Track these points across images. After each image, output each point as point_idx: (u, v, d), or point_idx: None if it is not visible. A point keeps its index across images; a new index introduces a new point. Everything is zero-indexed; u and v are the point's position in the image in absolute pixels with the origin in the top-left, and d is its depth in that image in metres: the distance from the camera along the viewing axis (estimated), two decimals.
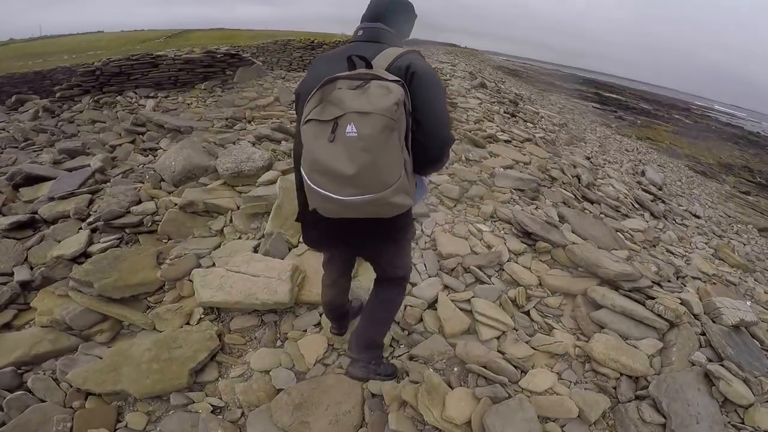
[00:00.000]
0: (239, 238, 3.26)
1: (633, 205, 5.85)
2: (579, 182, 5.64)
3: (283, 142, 4.62)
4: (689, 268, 4.09)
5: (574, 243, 3.37)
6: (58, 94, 7.07)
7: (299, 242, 3.06)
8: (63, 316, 2.47)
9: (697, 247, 5.04)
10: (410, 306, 2.64)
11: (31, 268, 3.01)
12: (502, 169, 4.79)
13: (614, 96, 38.25)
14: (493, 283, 2.89)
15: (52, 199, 3.85)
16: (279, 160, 4.23)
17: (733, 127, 36.92)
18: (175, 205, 3.53)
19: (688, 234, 5.55)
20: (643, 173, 8.81)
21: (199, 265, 2.92)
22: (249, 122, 5.78)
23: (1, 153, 5.35)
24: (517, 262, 3.15)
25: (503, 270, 3.03)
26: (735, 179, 15.65)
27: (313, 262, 2.81)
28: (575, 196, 5.08)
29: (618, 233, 4.13)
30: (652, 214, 5.72)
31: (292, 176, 3.64)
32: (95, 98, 6.90)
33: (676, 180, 10.39)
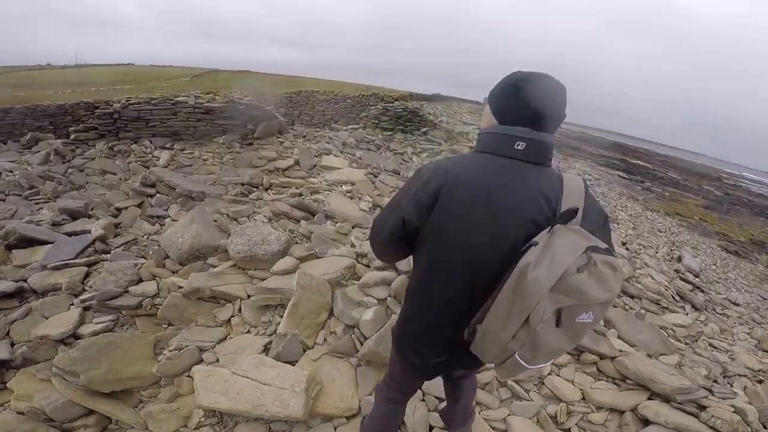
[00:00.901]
0: (248, 331, 3.01)
1: (674, 297, 5.67)
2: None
3: (302, 221, 4.36)
4: (734, 363, 3.88)
5: (621, 351, 3.18)
6: (72, 136, 7.01)
7: (315, 344, 2.87)
8: (43, 405, 2.27)
9: (739, 339, 4.91)
10: (439, 428, 2.40)
11: (12, 345, 2.78)
12: None
13: (641, 163, 38.23)
14: (532, 399, 2.72)
15: (45, 267, 3.58)
16: (297, 243, 3.95)
17: (764, 199, 36.66)
18: (180, 288, 3.26)
19: (729, 324, 5.43)
20: (679, 259, 8.59)
21: (201, 360, 2.73)
22: (266, 190, 5.58)
23: (3, 200, 5.18)
24: (559, 375, 2.95)
25: (543, 384, 2.85)
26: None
27: (330, 371, 2.66)
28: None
29: (662, 330, 3.93)
30: (693, 306, 5.57)
31: (311, 268, 3.42)
32: (110, 144, 6.82)
33: (710, 264, 10.32)
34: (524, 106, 1.14)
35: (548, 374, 2.91)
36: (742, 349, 4.30)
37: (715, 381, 3.15)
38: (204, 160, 6.89)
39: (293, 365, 2.64)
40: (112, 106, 7.28)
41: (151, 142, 7.12)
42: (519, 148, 1.15)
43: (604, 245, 1.07)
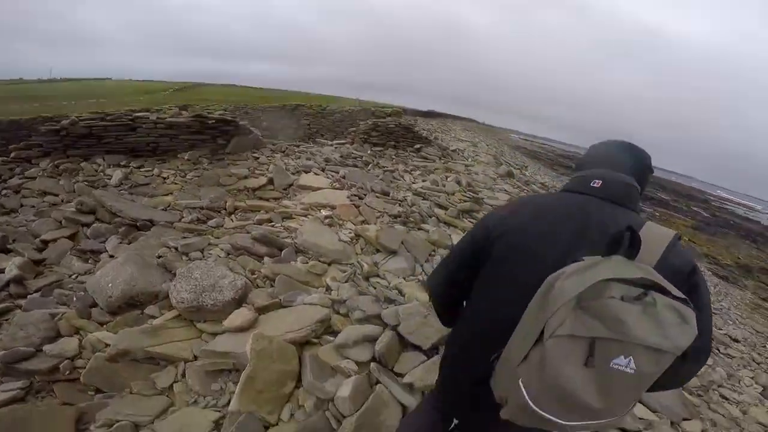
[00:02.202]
0: (195, 402, 2.38)
1: None
2: None
3: (266, 258, 3.63)
4: (747, 419, 3.82)
5: (649, 424, 2.81)
6: (12, 154, 6.19)
7: (279, 420, 2.27)
8: None
9: (745, 385, 4.85)
10: None
11: None
12: None
13: None
14: None
15: None
16: (258, 286, 3.22)
17: (750, 222, 37.39)
18: (107, 346, 2.56)
19: (734, 367, 5.36)
20: None
21: None
22: (230, 215, 4.84)
23: None
24: None
25: None
26: (755, 283, 15.89)
27: None
28: None
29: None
30: None
31: (273, 323, 2.75)
32: (56, 163, 6.02)
33: None
34: (604, 149, 1.25)
35: None
36: (750, 398, 4.33)
37: None
38: (164, 178, 6.13)
39: None
40: (60, 122, 6.48)
41: (104, 159, 6.33)
42: (595, 185, 1.14)
43: (677, 291, 0.87)
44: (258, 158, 7.25)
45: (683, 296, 0.87)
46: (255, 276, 3.35)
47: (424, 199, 5.96)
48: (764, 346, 7.39)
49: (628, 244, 0.92)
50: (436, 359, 2.67)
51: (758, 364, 5.97)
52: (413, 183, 7.03)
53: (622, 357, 0.83)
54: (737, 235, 27.18)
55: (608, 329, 0.82)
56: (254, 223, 4.49)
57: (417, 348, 2.79)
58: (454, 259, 1.31)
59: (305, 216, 4.68)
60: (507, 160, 14.58)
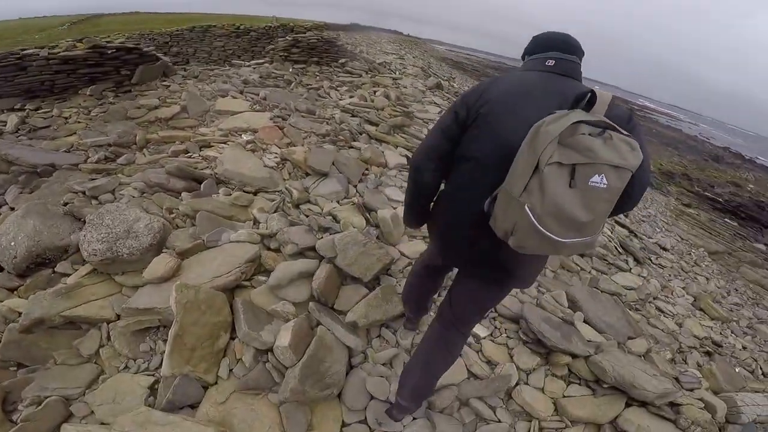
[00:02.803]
0: (125, 367, 2.23)
1: (618, 250, 5.55)
2: None
3: (184, 194, 3.34)
4: (683, 333, 3.95)
5: (591, 342, 2.82)
6: None
7: (218, 379, 2.15)
8: None
9: (678, 296, 4.99)
10: None
11: None
12: None
13: None
14: (500, 419, 2.31)
15: None
16: (177, 227, 2.98)
17: (672, 130, 39.61)
18: (20, 315, 2.29)
19: (666, 277, 5.51)
20: None
21: (71, 415, 2.01)
22: (141, 149, 4.41)
23: None
24: (527, 383, 2.54)
25: (511, 398, 2.44)
26: (677, 189, 16.78)
27: (245, 414, 2.03)
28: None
29: (619, 300, 3.84)
30: (635, 259, 5.49)
31: (197, 268, 2.54)
32: None
33: None
34: (550, 37, 1.53)
35: (516, 385, 2.49)
36: (683, 310, 4.46)
37: (673, 359, 3.20)
38: (65, 118, 5.44)
39: (193, 412, 2.01)
40: None
41: None
42: (549, 64, 1.47)
43: (626, 132, 1.23)
44: (169, 86, 6.57)
45: (628, 134, 1.22)
46: (173, 215, 3.08)
47: (353, 116, 5.71)
48: (690, 254, 7.81)
49: (587, 101, 1.24)
50: (379, 292, 2.62)
51: (686, 272, 6.27)
52: (340, 100, 6.69)
53: (596, 176, 1.16)
54: (660, 143, 28.52)
55: (583, 156, 1.15)
56: (169, 156, 4.13)
57: (357, 280, 2.70)
58: (440, 134, 1.55)
59: (225, 143, 4.36)
60: (435, 72, 14.26)
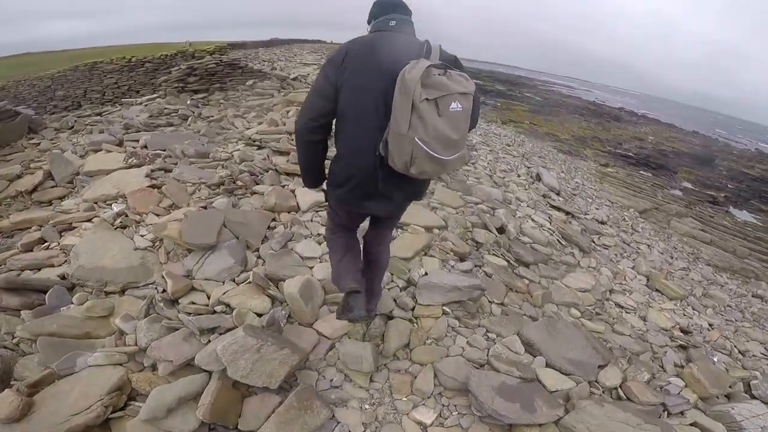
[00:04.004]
0: None
1: (561, 243, 4.92)
2: (507, 237, 4.18)
3: (24, 312, 2.30)
4: (651, 329, 3.63)
5: (567, 400, 2.27)
6: None
7: None
8: None
9: (630, 279, 4.72)
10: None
11: None
12: (424, 275, 2.99)
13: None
14: None
15: None
16: (23, 354, 2.12)
17: (574, 99, 41.27)
18: None
19: (613, 260, 5.21)
20: (538, 177, 8.07)
21: None
22: None
23: None
24: None
25: None
26: (592, 152, 17.28)
27: None
28: (508, 262, 3.80)
29: (576, 322, 3.21)
30: (581, 249, 4.96)
31: (51, 414, 1.81)
32: None
33: (558, 171, 10.30)
34: (388, 2, 1.72)
35: None
36: (641, 296, 4.26)
37: (653, 376, 2.84)
38: None
39: None
40: None
41: None
42: (392, 24, 1.67)
43: (456, 69, 1.53)
44: (38, 144, 5.21)
45: (458, 70, 1.54)
46: (16, 340, 2.17)
47: (259, 147, 4.68)
48: (624, 220, 7.70)
49: (427, 51, 1.54)
50: (294, 400, 1.96)
51: (629, 245, 6.04)
52: (247, 129, 5.58)
53: (453, 103, 1.45)
54: (567, 111, 29.40)
55: (441, 90, 1.43)
56: (20, 251, 2.98)
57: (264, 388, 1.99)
58: (318, 99, 1.67)
59: (90, 220, 3.23)
60: None
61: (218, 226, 2.88)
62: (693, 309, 4.48)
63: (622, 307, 3.92)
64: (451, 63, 1.54)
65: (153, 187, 3.45)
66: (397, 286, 2.92)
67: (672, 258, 6.45)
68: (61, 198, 3.92)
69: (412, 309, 2.75)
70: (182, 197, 3.35)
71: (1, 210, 3.90)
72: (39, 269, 2.78)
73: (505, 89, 37.55)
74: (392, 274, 2.98)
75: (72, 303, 2.43)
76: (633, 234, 6.91)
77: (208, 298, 2.48)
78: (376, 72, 1.54)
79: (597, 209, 7.67)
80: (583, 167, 13.25)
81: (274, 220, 3.29)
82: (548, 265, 4.12)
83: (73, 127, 5.46)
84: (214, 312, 2.39)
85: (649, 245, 6.46)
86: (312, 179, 1.94)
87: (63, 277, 2.63)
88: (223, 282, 2.64)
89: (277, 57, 17.85)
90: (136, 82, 9.59)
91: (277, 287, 2.65)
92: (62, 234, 3.18)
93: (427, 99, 1.40)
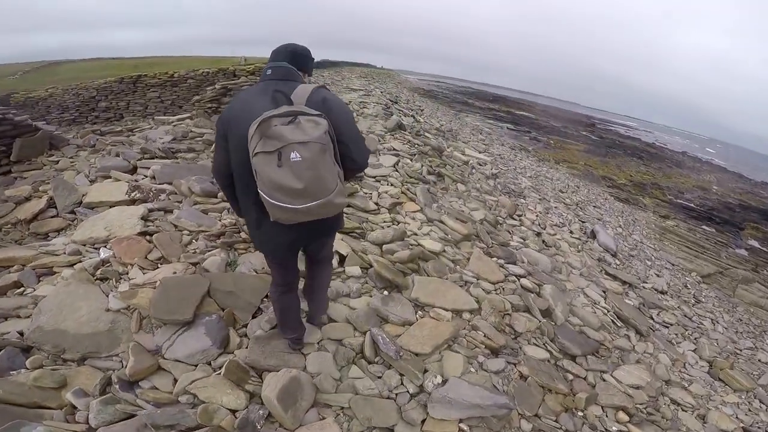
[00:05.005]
0: None
1: (615, 323, 4.29)
2: (553, 322, 3.51)
3: None
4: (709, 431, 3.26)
5: None
6: None
7: None
8: None
9: (691, 366, 4.24)
10: None
11: None
12: (440, 384, 2.40)
13: (525, 114, 39.25)
14: None
15: None
16: None
17: (633, 140, 39.45)
18: None
19: (674, 342, 4.69)
20: (593, 235, 7.26)
21: None
22: None
23: None
24: None
25: None
26: (651, 201, 16.16)
27: None
28: (551, 352, 3.19)
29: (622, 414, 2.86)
30: (637, 332, 4.32)
31: None
32: None
33: (615, 225, 9.37)
34: (273, 50, 1.86)
35: None
36: (701, 388, 3.82)
37: None
38: None
39: None
40: None
41: None
42: (268, 73, 1.80)
43: (315, 112, 1.60)
44: (57, 162, 5.05)
45: (317, 113, 1.60)
46: None
47: None
48: (686, 288, 6.98)
49: (284, 98, 1.64)
50: None
51: (691, 320, 5.47)
52: None
53: (292, 153, 1.49)
54: (624, 153, 28.15)
55: (280, 141, 1.49)
56: None
57: None
58: (218, 154, 1.88)
59: (74, 265, 2.87)
60: (401, 108, 12.98)
61: (199, 297, 2.44)
62: (761, 402, 4.06)
63: (679, 405, 3.46)
64: (316, 105, 1.65)
65: (144, 234, 3.06)
66: (407, 391, 2.35)
67: (737, 333, 5.89)
68: (58, 231, 3.61)
69: (422, 422, 2.21)
70: (174, 249, 2.93)
71: (4, 239, 3.65)
72: (6, 319, 2.46)
73: (560, 125, 36.40)
74: (402, 376, 2.42)
75: (25, 367, 2.11)
76: (696, 305, 6.34)
77: (173, 384, 2.06)
78: (243, 128, 1.61)
79: (657, 275, 6.97)
80: (642, 220, 12.25)
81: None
82: (598, 356, 3.47)
83: (94, 145, 5.28)
84: (178, 402, 2.00)
85: (713, 319, 5.95)
86: (235, 210, 2.16)
87: (23, 334, 2.30)
88: (195, 366, 2.20)
89: (324, 79, 17.91)
90: (179, 98, 9.64)
91: (261, 378, 2.19)
92: (40, 279, 2.83)
93: (264, 152, 1.51)
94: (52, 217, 3.81)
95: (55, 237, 3.53)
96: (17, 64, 25.88)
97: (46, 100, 11.02)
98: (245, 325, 2.51)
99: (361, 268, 3.18)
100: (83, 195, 3.85)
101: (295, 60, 1.82)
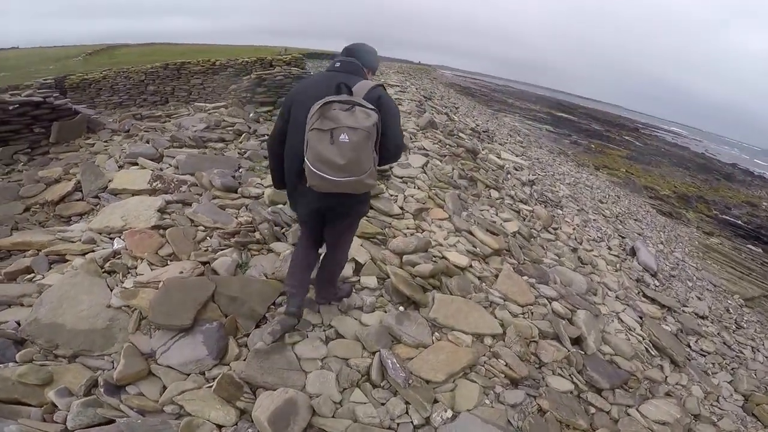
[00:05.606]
0: None
1: (649, 352, 3.91)
2: (583, 352, 3.17)
3: None
4: None
5: None
6: None
7: None
8: None
9: (725, 399, 3.81)
10: None
11: None
12: (449, 419, 2.14)
13: (566, 116, 37.59)
14: None
15: None
16: None
17: (680, 149, 37.20)
18: None
19: (710, 372, 4.24)
20: (633, 252, 6.73)
21: None
22: None
23: None
24: None
25: None
26: (695, 215, 15.13)
27: None
28: (576, 384, 2.86)
29: None
30: (672, 362, 3.92)
31: None
32: None
33: (657, 241, 8.72)
34: (345, 47, 2.17)
35: None
36: (731, 425, 3.41)
37: None
38: None
39: None
40: None
41: None
42: (337, 65, 2.10)
43: (370, 105, 1.84)
44: (93, 145, 5.06)
45: (372, 107, 1.85)
46: None
47: None
48: (728, 312, 6.36)
49: (346, 89, 1.87)
50: None
51: (730, 347, 4.93)
52: None
53: (342, 134, 1.75)
54: (670, 162, 26.61)
55: (334, 122, 1.76)
56: (2, 282, 2.61)
57: None
58: (278, 122, 2.16)
59: (85, 254, 2.77)
60: (435, 104, 12.59)
61: (201, 302, 2.27)
62: None
63: None
64: (372, 101, 1.89)
65: (157, 227, 2.93)
66: (410, 422, 2.11)
67: None
68: (81, 215, 3.57)
69: None
70: (185, 246, 2.79)
71: (26, 218, 3.65)
72: (9, 306, 2.39)
73: (602, 129, 34.65)
74: (407, 404, 2.17)
75: (15, 361, 2.03)
76: (736, 332, 5.81)
77: (160, 393, 1.93)
78: (304, 106, 1.92)
79: (699, 298, 6.38)
80: (685, 236, 11.41)
81: (282, 294, 2.60)
82: (626, 387, 3.13)
83: (128, 131, 5.26)
84: (163, 412, 1.87)
85: (753, 347, 5.41)
86: (277, 182, 2.36)
87: (20, 324, 2.22)
88: (187, 376, 2.04)
89: None
90: (219, 85, 9.70)
91: (255, 395, 2.02)
92: (51, 266, 2.76)
93: (319, 129, 1.77)
94: (77, 200, 3.78)
95: (76, 222, 3.49)
96: (83, 46, 27.17)
97: (99, 82, 11.35)
98: (247, 335, 2.33)
99: (377, 278, 2.95)
100: (109, 180, 3.79)
101: (361, 57, 2.13)
